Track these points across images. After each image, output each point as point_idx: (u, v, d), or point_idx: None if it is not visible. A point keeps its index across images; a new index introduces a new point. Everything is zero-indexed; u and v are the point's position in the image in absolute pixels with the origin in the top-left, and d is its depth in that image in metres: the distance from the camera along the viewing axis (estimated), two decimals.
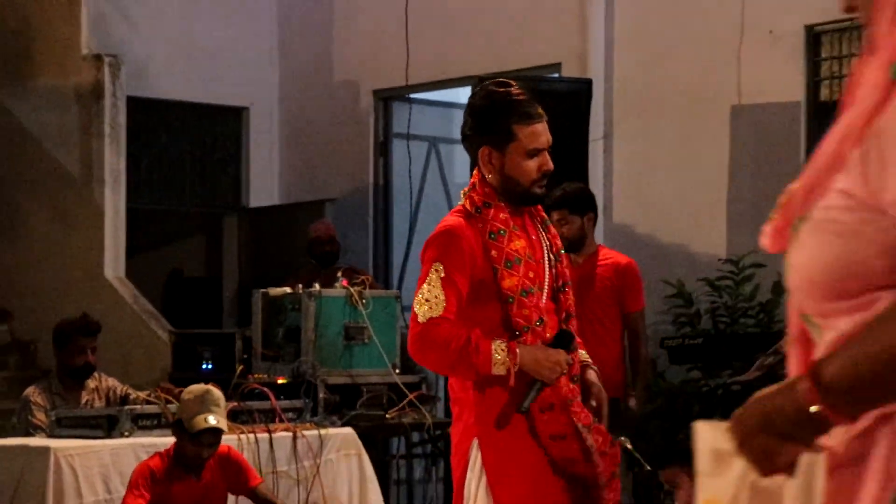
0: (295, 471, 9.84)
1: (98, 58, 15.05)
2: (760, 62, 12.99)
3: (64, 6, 15.33)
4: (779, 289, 12.22)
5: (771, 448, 2.90)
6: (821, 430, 2.85)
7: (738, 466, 3.16)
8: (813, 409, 2.73)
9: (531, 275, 6.74)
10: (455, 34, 14.90)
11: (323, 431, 9.96)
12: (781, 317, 11.67)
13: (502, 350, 6.39)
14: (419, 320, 6.33)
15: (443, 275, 6.32)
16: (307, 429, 10.10)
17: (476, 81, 12.73)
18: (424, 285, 6.41)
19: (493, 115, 6.77)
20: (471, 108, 7.03)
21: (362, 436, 10.48)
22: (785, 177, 12.60)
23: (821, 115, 12.88)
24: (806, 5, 12.80)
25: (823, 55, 12.95)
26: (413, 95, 15.66)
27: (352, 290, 11.31)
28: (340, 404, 11.06)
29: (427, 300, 6.29)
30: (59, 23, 15.38)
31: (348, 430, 10.64)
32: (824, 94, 12.91)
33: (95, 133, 15.03)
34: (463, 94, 14.24)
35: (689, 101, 13.26)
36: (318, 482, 9.48)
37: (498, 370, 6.34)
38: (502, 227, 6.71)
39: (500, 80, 7.30)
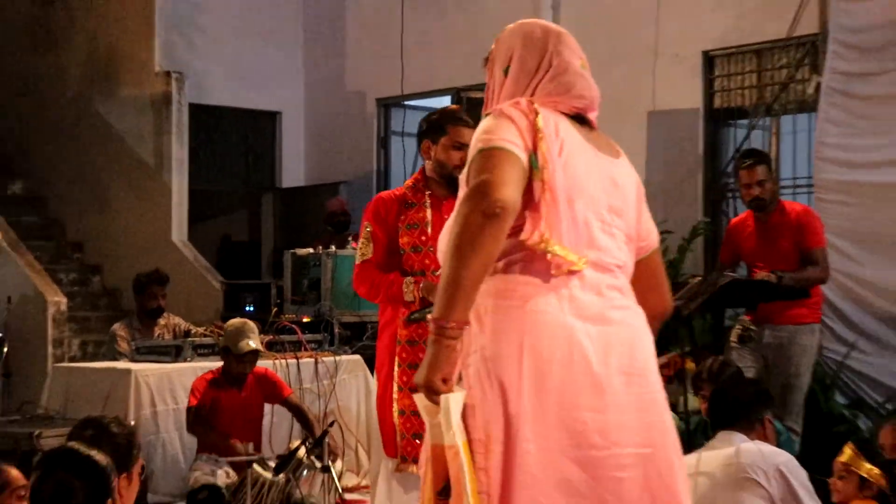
0: (316, 388, 9.99)
1: (167, 74, 15.12)
2: (669, 78, 13.07)
3: (141, 34, 15.39)
4: (682, 250, 12.30)
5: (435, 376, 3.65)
6: (452, 338, 3.66)
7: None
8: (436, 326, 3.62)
9: (423, 238, 6.88)
10: (439, 55, 14.96)
11: (337, 358, 10.13)
12: (686, 270, 11.79)
13: (410, 283, 6.68)
14: (356, 262, 6.70)
15: (369, 229, 6.66)
16: (326, 356, 10.32)
17: (455, 92, 12.88)
18: (361, 238, 6.79)
19: (435, 118, 7.09)
20: (423, 119, 7.26)
21: (368, 361, 10.51)
22: (688, 167, 12.79)
23: (715, 118, 13.09)
24: (702, 35, 12.92)
25: (716, 73, 13.07)
26: (407, 102, 15.83)
27: None
28: (351, 337, 11.26)
29: (361, 248, 6.67)
30: (138, 48, 15.44)
31: (357, 357, 10.90)
32: (717, 102, 13.07)
33: (165, 131, 15.11)
34: (446, 102, 14.34)
35: (617, 108, 13.23)
36: (334, 396, 9.59)
37: (408, 298, 6.62)
38: (415, 202, 6.94)
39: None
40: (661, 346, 10.25)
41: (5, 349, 11.85)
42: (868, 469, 6.23)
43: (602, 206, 3.92)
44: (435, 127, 6.94)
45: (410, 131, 15.89)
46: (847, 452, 6.42)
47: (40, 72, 16.87)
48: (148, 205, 15.40)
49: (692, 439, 7.90)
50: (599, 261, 3.87)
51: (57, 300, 13.93)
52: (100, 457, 4.18)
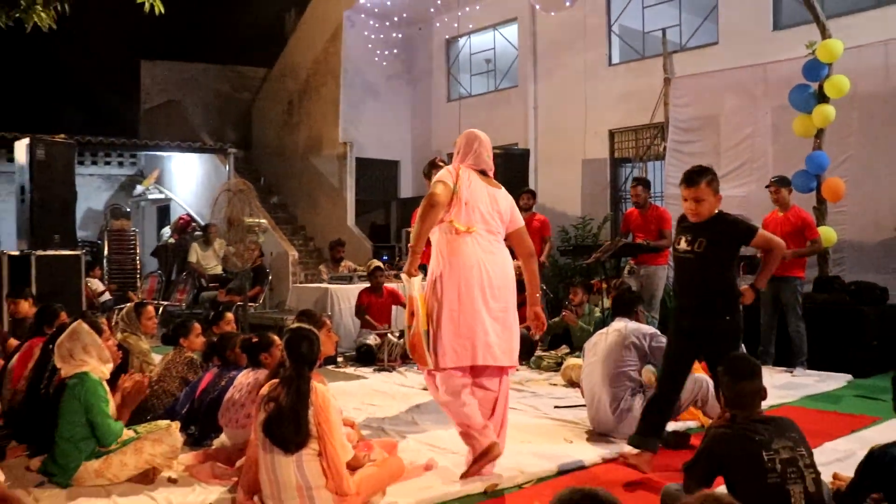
0: None
1: (344, 143, 15.06)
2: (593, 142, 12.98)
3: (332, 123, 15.35)
4: (599, 228, 12.16)
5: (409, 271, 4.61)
6: (417, 253, 4.64)
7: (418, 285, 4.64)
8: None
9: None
10: (478, 128, 14.72)
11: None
12: (602, 238, 11.68)
13: None
14: None
15: None
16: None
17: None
18: None
19: (432, 163, 6.95)
20: (426, 165, 7.12)
21: None
22: (602, 186, 12.55)
23: (615, 163, 12.95)
24: (608, 121, 12.94)
25: (615, 140, 12.93)
26: None
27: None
28: None
29: None
30: (330, 130, 15.36)
31: None
32: (616, 155, 12.94)
33: (343, 171, 15.04)
34: None
35: (568, 158, 13.18)
36: None
37: None
38: None
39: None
40: (591, 276, 10.13)
41: (270, 277, 11.97)
42: None
43: (488, 207, 4.76)
44: (431, 169, 6.82)
45: None
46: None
47: (285, 141, 16.97)
48: (335, 207, 15.33)
49: (605, 320, 7.83)
50: (489, 229, 4.74)
51: (293, 254, 14.13)
52: (314, 328, 4.26)
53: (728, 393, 3.45)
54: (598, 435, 5.59)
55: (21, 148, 9.74)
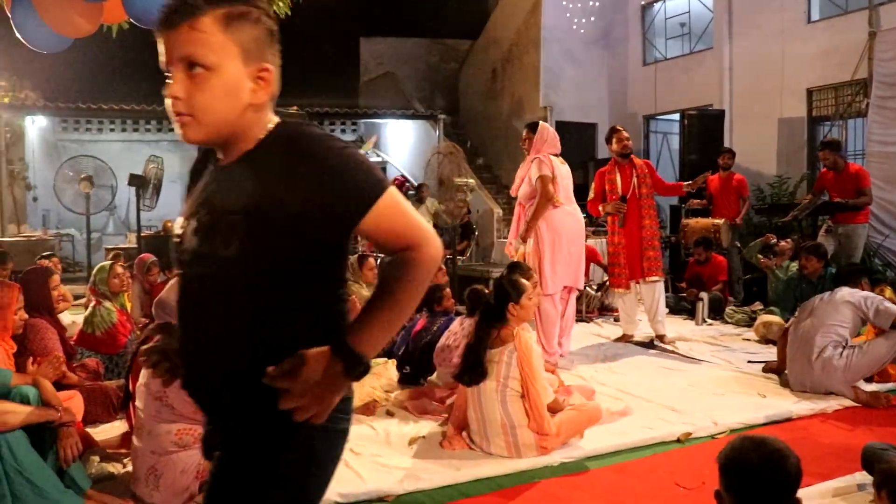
0: None
1: (545, 108, 14.94)
2: (789, 102, 12.18)
3: (533, 89, 15.26)
4: (796, 187, 11.48)
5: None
6: (530, 227, 6.35)
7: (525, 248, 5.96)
8: None
9: (611, 185, 7.25)
10: (673, 90, 14.19)
11: None
12: (798, 198, 10.93)
13: (607, 205, 7.31)
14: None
15: (592, 184, 7.70)
16: None
17: (682, 113, 12.08)
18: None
19: (610, 132, 7.39)
20: (609, 130, 7.43)
21: None
22: (798, 145, 11.82)
23: (812, 121, 12.06)
24: (805, 80, 11.97)
25: (813, 98, 12.00)
26: (658, 117, 14.92)
27: None
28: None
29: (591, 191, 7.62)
30: (532, 95, 15.27)
31: None
32: (813, 113, 11.99)
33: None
34: (675, 117, 13.53)
35: (765, 117, 12.43)
36: None
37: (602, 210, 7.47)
38: (610, 169, 7.40)
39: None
40: (785, 235, 9.50)
41: (476, 233, 12.11)
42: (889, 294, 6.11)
43: (567, 181, 6.31)
44: (610, 136, 7.32)
45: (657, 130, 15.22)
46: (887, 291, 6.23)
47: (489, 107, 16.98)
48: (513, 162, 15.17)
49: (802, 277, 7.38)
50: (567, 196, 6.25)
51: (497, 211, 14.17)
52: (522, 278, 4.29)
53: None
54: (794, 391, 5.36)
55: None
